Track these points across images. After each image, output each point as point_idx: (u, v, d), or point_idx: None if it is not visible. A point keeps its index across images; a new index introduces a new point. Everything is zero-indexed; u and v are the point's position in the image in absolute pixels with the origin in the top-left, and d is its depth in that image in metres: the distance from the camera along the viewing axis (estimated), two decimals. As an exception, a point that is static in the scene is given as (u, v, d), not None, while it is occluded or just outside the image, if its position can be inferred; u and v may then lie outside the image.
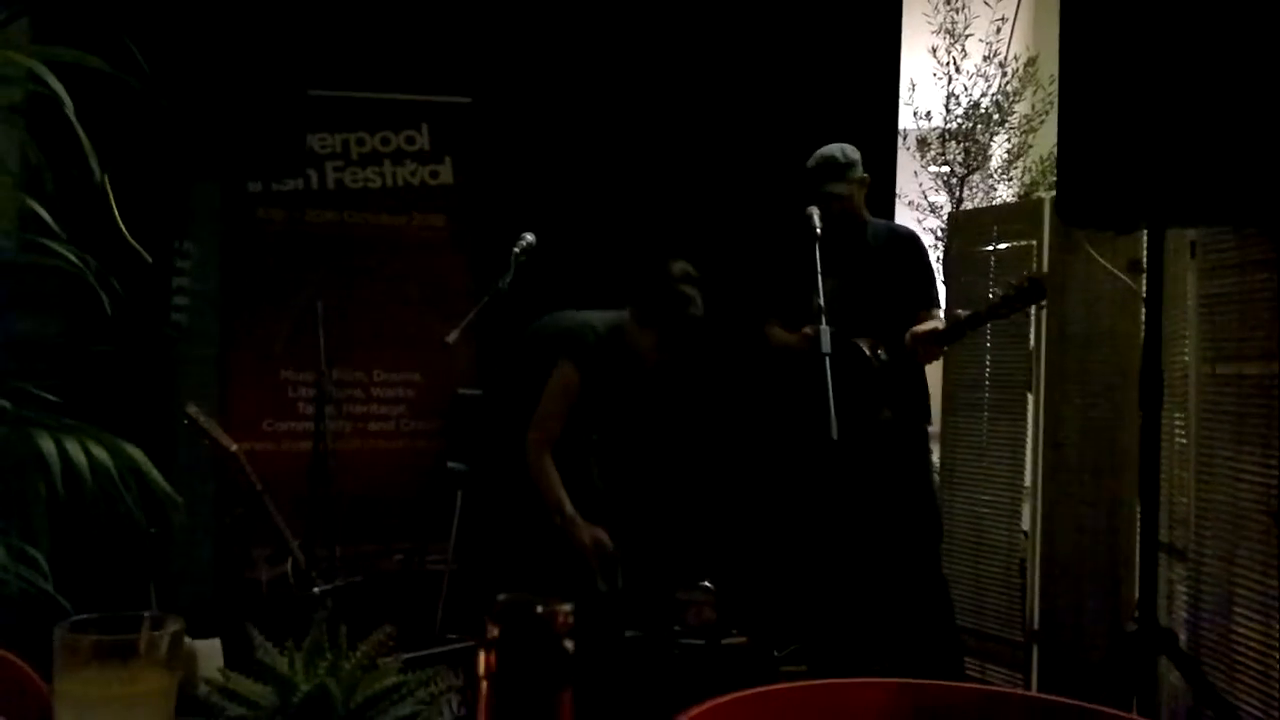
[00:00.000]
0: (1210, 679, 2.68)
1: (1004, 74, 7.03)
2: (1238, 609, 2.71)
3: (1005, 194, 7.06)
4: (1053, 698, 1.06)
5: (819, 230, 3.14)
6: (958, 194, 7.06)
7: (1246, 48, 2.13)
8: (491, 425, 3.31)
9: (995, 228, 3.96)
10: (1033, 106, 6.99)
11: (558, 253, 3.58)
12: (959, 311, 3.25)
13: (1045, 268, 3.64)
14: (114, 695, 0.82)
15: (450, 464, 3.69)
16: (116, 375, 3.24)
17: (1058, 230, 3.63)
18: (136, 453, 2.16)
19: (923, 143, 7.10)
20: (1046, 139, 6.64)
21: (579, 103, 4.23)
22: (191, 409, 3.14)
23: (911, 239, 3.57)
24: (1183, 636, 2.87)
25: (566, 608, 0.60)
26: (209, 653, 1.67)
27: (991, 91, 7.04)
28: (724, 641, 3.36)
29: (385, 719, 0.87)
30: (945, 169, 7.12)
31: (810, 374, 2.88)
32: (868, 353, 3.24)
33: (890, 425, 3.29)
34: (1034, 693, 3.26)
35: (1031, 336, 3.73)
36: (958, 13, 7.01)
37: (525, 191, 4.06)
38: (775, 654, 3.45)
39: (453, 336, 3.14)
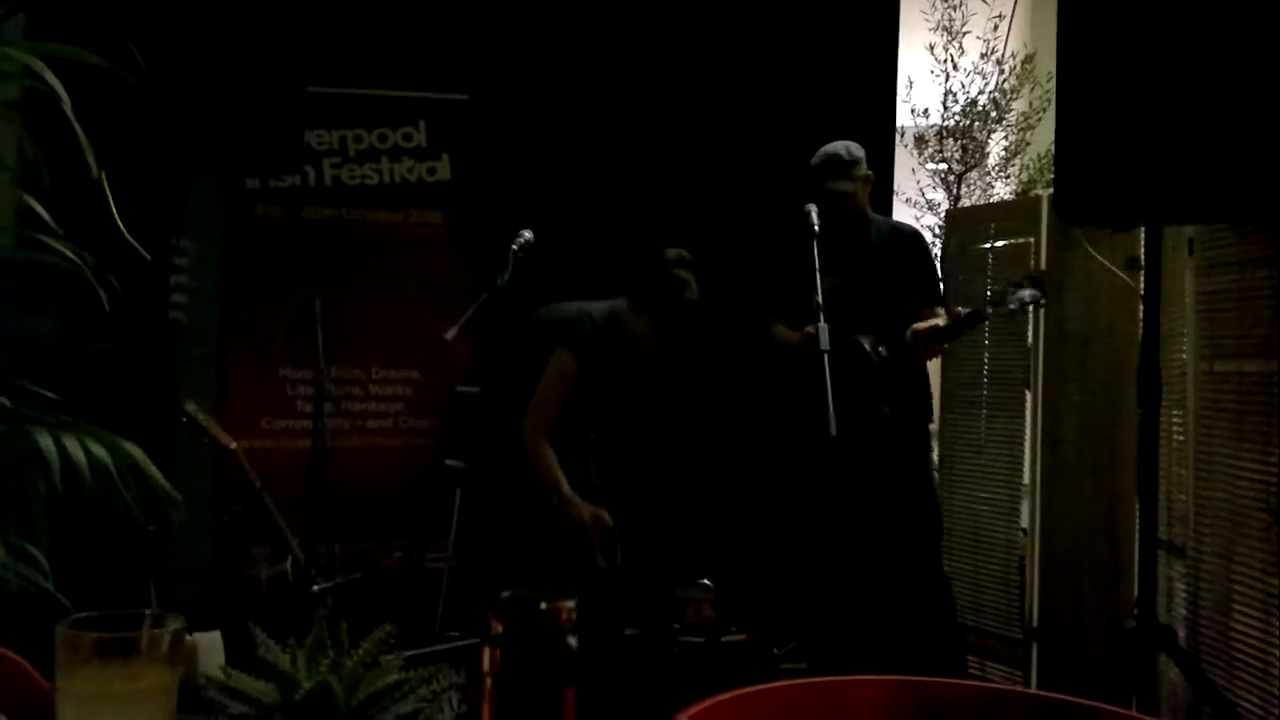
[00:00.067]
0: (1209, 676, 2.68)
1: (1001, 71, 7.03)
2: (1237, 606, 2.72)
3: (1003, 191, 7.07)
4: (1052, 695, 1.06)
5: (817, 228, 3.15)
6: (955, 191, 7.07)
7: (1244, 45, 2.13)
8: (490, 415, 3.32)
9: (993, 225, 3.96)
10: (1030, 104, 6.99)
11: (556, 250, 3.57)
12: (959, 309, 3.25)
13: (1043, 265, 3.64)
14: (116, 692, 0.82)
15: (449, 461, 3.68)
16: (115, 373, 3.24)
17: (1055, 227, 3.63)
18: (135, 450, 2.16)
19: (920, 140, 7.11)
20: (1044, 136, 6.65)
21: (577, 100, 4.22)
22: (190, 407, 3.14)
23: (915, 237, 3.59)
24: (1182, 634, 2.87)
25: (570, 604, 0.60)
26: (210, 646, 1.67)
27: (989, 89, 7.04)
28: (723, 639, 3.37)
29: (387, 716, 0.87)
30: (943, 166, 7.12)
31: (810, 371, 2.88)
32: (868, 349, 3.24)
33: (890, 422, 3.29)
34: (1033, 690, 3.26)
35: (1030, 334, 3.74)
36: (955, 10, 7.01)
37: (523, 188, 4.05)
38: (775, 651, 3.45)
39: (451, 334, 3.14)
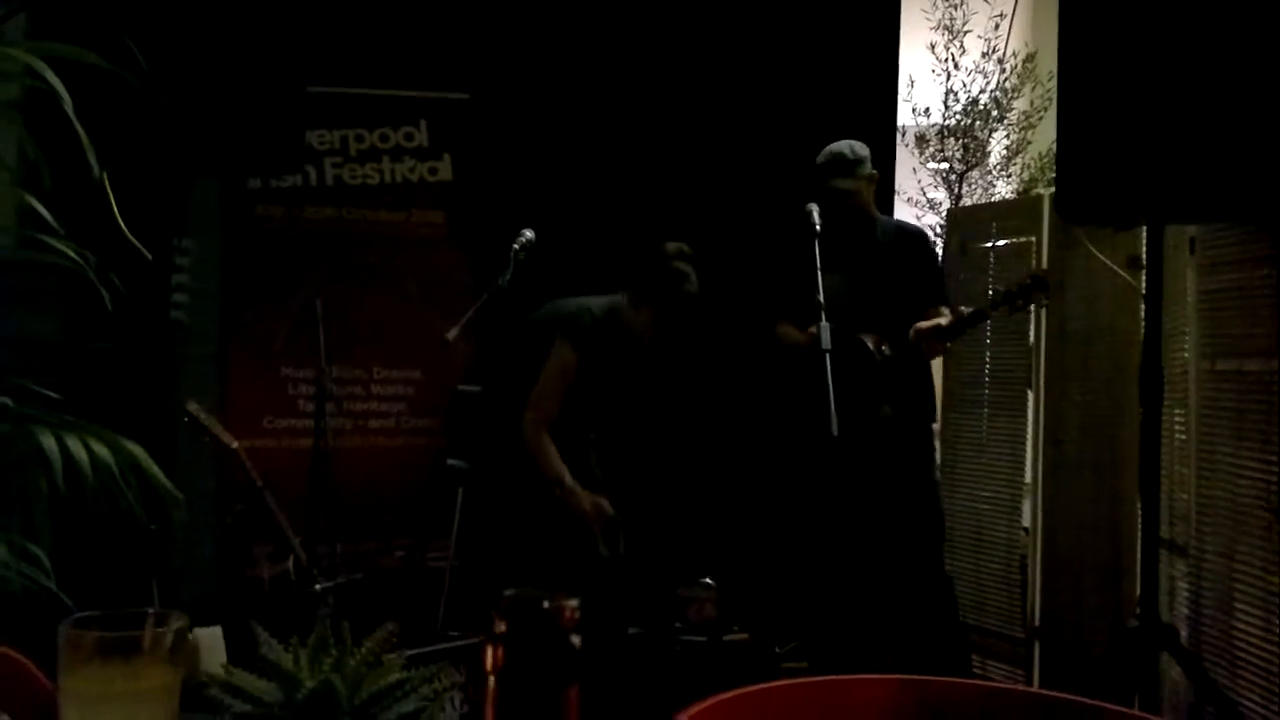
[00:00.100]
0: (1211, 675, 2.68)
1: (1003, 70, 7.03)
2: (1239, 605, 2.72)
3: (1004, 190, 7.07)
4: (1055, 694, 1.06)
5: (818, 227, 3.15)
6: (956, 190, 7.06)
7: (1245, 44, 2.12)
8: (491, 414, 3.33)
9: (994, 224, 3.96)
10: (1031, 103, 6.99)
11: (557, 249, 3.57)
12: (962, 307, 3.25)
13: (1044, 264, 3.64)
14: (118, 692, 0.82)
15: (450, 461, 3.68)
16: (117, 372, 3.24)
17: (1057, 226, 3.63)
18: (137, 449, 2.16)
19: (921, 139, 7.11)
20: (1045, 135, 6.65)
21: (578, 99, 4.22)
22: (192, 406, 3.14)
23: (920, 237, 3.59)
24: (1184, 632, 2.87)
25: (573, 603, 0.60)
26: (210, 641, 1.67)
27: (990, 88, 7.04)
28: (725, 638, 3.37)
29: (389, 715, 0.87)
30: (944, 165, 7.12)
31: (813, 370, 2.88)
32: (872, 348, 3.24)
33: (892, 421, 3.29)
34: (1035, 689, 3.26)
35: (1031, 333, 3.74)
36: (956, 9, 7.01)
37: (524, 188, 4.05)
38: (777, 650, 3.45)
39: (453, 334, 3.14)
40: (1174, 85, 2.18)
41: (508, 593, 0.60)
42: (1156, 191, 2.22)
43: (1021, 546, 3.74)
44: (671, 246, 3.25)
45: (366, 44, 4.12)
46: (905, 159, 6.24)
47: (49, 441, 2.00)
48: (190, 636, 0.86)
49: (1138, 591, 2.50)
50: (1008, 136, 7.11)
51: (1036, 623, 3.66)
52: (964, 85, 7.06)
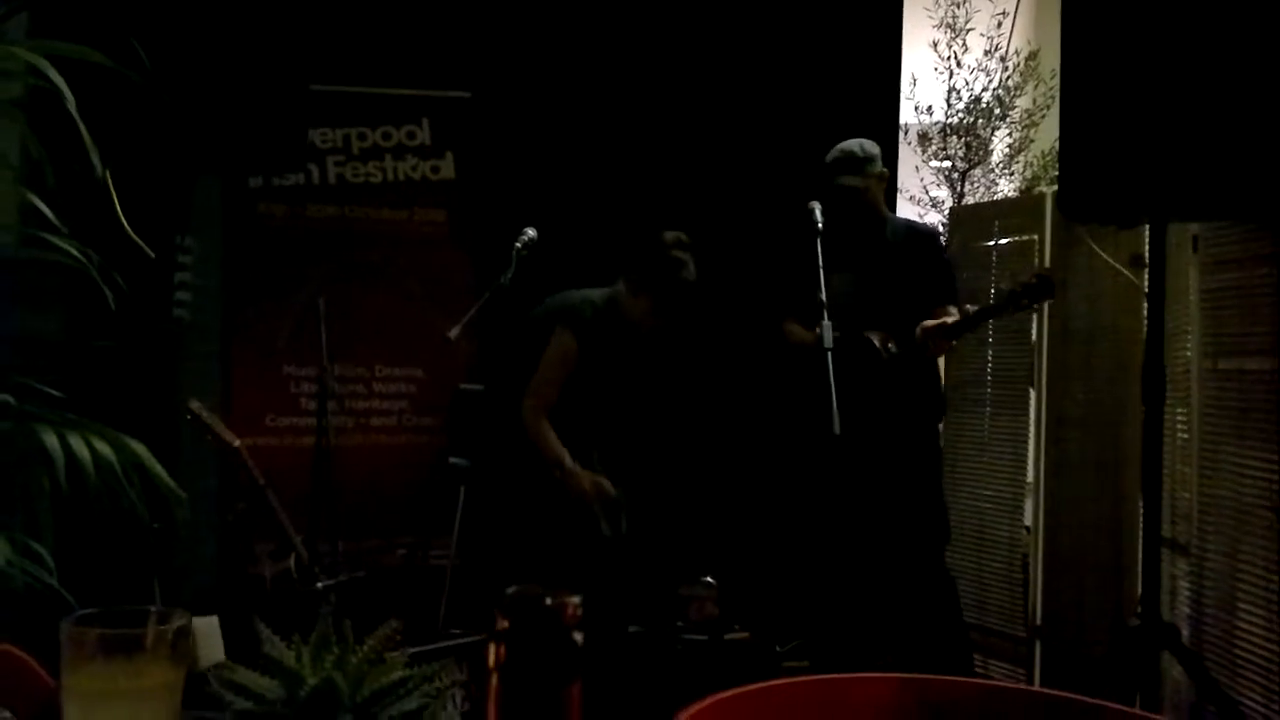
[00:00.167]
0: (1213, 674, 2.68)
1: (1005, 68, 7.02)
2: (1240, 604, 2.72)
3: (1006, 189, 7.07)
4: (1056, 693, 1.06)
5: (820, 225, 3.15)
6: (959, 189, 7.06)
7: (1248, 42, 2.12)
8: (493, 412, 3.34)
9: (997, 223, 3.96)
10: (1034, 101, 6.98)
11: (560, 248, 3.58)
12: (968, 306, 3.25)
13: (1047, 263, 3.64)
14: (121, 689, 0.82)
15: (452, 459, 3.68)
16: (119, 370, 3.25)
17: (1059, 225, 3.63)
18: (140, 448, 2.16)
19: (924, 137, 7.11)
20: (1048, 134, 6.64)
21: (581, 98, 4.22)
22: (194, 404, 3.14)
23: (931, 236, 3.59)
24: (1185, 632, 2.87)
25: (575, 600, 0.60)
26: (207, 631, 1.68)
27: (993, 86, 7.04)
28: (726, 637, 3.37)
29: (392, 712, 0.87)
30: (946, 164, 7.12)
31: (817, 369, 2.88)
32: (878, 346, 3.24)
33: (899, 419, 3.28)
34: (1037, 688, 3.26)
35: (1034, 331, 3.73)
36: (959, 7, 7.00)
37: (527, 187, 4.05)
38: (778, 649, 3.45)
39: (454, 332, 3.14)
40: (1176, 83, 2.18)
41: (510, 589, 0.60)
42: (1159, 190, 2.22)
43: (1023, 545, 3.74)
44: (669, 235, 3.28)
45: (369, 43, 4.12)
46: (908, 157, 6.25)
47: (51, 439, 2.00)
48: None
49: (1139, 590, 2.50)
50: (1010, 135, 7.11)
51: (1038, 621, 3.66)
52: (966, 83, 7.06)
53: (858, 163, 3.37)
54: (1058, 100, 2.46)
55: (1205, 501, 2.89)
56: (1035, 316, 3.69)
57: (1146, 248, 2.82)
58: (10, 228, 2.24)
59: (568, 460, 3.17)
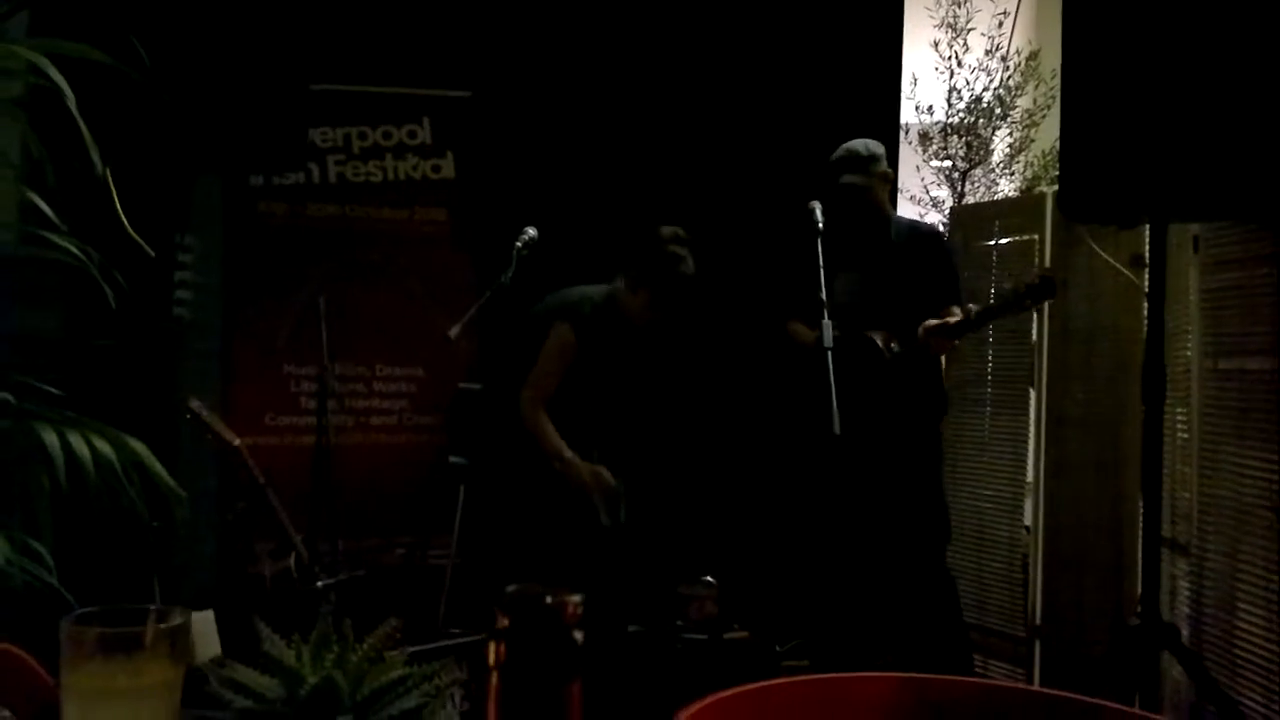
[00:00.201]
0: (1212, 674, 2.68)
1: (1006, 68, 7.03)
2: (1240, 604, 2.72)
3: (1007, 188, 7.07)
4: (1056, 692, 1.06)
5: (820, 225, 3.14)
6: (959, 189, 7.07)
7: (1249, 42, 2.12)
8: (493, 411, 3.34)
9: (997, 222, 3.96)
10: (1034, 101, 6.99)
11: (560, 248, 3.58)
12: (971, 306, 3.25)
13: (1047, 262, 3.64)
14: (120, 688, 0.82)
15: (452, 458, 3.69)
16: (119, 369, 3.25)
17: (1060, 225, 3.63)
18: (139, 446, 2.16)
19: (924, 137, 7.11)
20: (1048, 133, 6.64)
21: (581, 97, 4.22)
22: (194, 403, 3.14)
23: (935, 237, 3.59)
24: (1185, 631, 2.87)
25: (575, 598, 0.60)
26: (203, 625, 1.67)
27: (993, 86, 7.04)
28: (726, 636, 3.36)
29: (391, 711, 0.87)
30: (947, 163, 7.12)
31: (818, 368, 2.88)
32: (880, 345, 3.24)
33: (901, 418, 3.28)
34: (1036, 687, 3.26)
35: (1034, 331, 3.73)
36: (959, 7, 7.01)
37: (527, 186, 4.05)
38: (777, 649, 3.45)
39: (455, 331, 3.14)
40: (1177, 83, 2.18)
41: (510, 588, 0.60)
42: (1159, 190, 2.22)
43: (1023, 545, 3.74)
44: (667, 230, 3.30)
45: (369, 42, 4.12)
46: (908, 157, 6.25)
47: (51, 438, 2.00)
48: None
49: (1139, 590, 2.50)
50: (1011, 134, 7.11)
51: (1038, 621, 3.66)
52: (967, 83, 7.06)
53: (862, 162, 3.37)
54: (1058, 100, 2.46)
55: (1205, 501, 2.89)
56: (1035, 316, 3.69)
57: (1147, 248, 2.82)
58: (10, 226, 2.24)
59: (566, 451, 3.19)
